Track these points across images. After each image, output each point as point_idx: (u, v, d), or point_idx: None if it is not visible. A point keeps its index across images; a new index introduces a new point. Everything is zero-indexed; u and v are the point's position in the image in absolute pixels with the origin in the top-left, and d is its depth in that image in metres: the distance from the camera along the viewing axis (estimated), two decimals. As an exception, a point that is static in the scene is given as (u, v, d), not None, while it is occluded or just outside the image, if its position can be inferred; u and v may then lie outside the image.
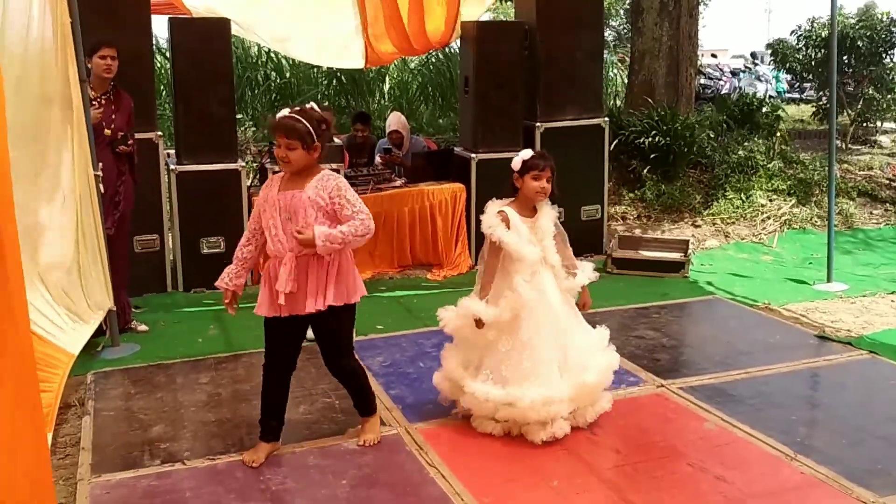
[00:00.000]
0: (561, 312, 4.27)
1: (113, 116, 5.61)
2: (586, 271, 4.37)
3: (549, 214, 4.29)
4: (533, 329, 4.15)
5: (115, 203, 5.71)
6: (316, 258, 3.83)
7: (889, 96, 12.43)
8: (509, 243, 4.12)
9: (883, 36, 12.20)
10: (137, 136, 6.37)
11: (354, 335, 5.73)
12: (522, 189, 4.21)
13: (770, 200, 9.34)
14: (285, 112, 3.86)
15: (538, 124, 7.63)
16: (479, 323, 4.12)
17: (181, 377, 5.16)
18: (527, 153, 4.25)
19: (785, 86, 19.75)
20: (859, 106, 12.63)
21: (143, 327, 6.00)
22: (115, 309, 5.56)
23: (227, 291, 4.00)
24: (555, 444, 4.13)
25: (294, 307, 3.86)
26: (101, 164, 5.37)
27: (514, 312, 4.12)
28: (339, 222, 3.82)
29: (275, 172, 6.69)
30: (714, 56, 23.38)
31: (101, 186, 5.34)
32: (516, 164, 4.21)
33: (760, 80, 20.57)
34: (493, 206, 4.25)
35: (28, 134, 4.37)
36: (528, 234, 4.19)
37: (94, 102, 5.46)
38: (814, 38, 12.66)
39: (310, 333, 4.09)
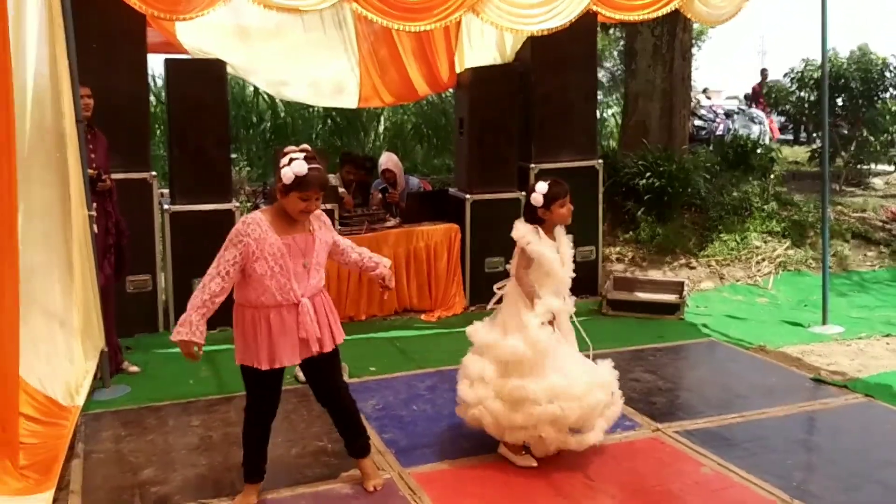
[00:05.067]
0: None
1: (92, 156, 5.55)
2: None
3: (568, 242, 4.35)
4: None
5: (108, 246, 5.67)
6: (320, 296, 3.83)
7: (882, 138, 12.48)
8: (543, 255, 4.16)
9: (875, 78, 12.29)
10: (132, 175, 6.41)
11: (347, 377, 5.71)
12: (551, 218, 4.25)
13: (765, 242, 9.36)
14: (309, 164, 3.61)
15: (532, 166, 7.66)
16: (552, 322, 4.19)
17: (172, 419, 5.11)
18: (543, 187, 4.23)
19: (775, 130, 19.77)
20: (853, 148, 12.69)
21: (134, 368, 5.95)
22: (107, 350, 5.52)
23: (194, 345, 3.63)
24: (551, 489, 4.09)
25: (311, 349, 3.82)
26: (94, 205, 5.36)
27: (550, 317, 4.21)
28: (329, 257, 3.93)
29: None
30: (708, 97, 23.47)
31: (94, 227, 5.32)
32: (538, 200, 4.21)
33: (754, 122, 20.66)
34: (522, 224, 4.29)
35: (27, 175, 4.36)
36: (556, 256, 4.25)
37: None
38: (806, 80, 12.76)
39: (300, 376, 4.08)
